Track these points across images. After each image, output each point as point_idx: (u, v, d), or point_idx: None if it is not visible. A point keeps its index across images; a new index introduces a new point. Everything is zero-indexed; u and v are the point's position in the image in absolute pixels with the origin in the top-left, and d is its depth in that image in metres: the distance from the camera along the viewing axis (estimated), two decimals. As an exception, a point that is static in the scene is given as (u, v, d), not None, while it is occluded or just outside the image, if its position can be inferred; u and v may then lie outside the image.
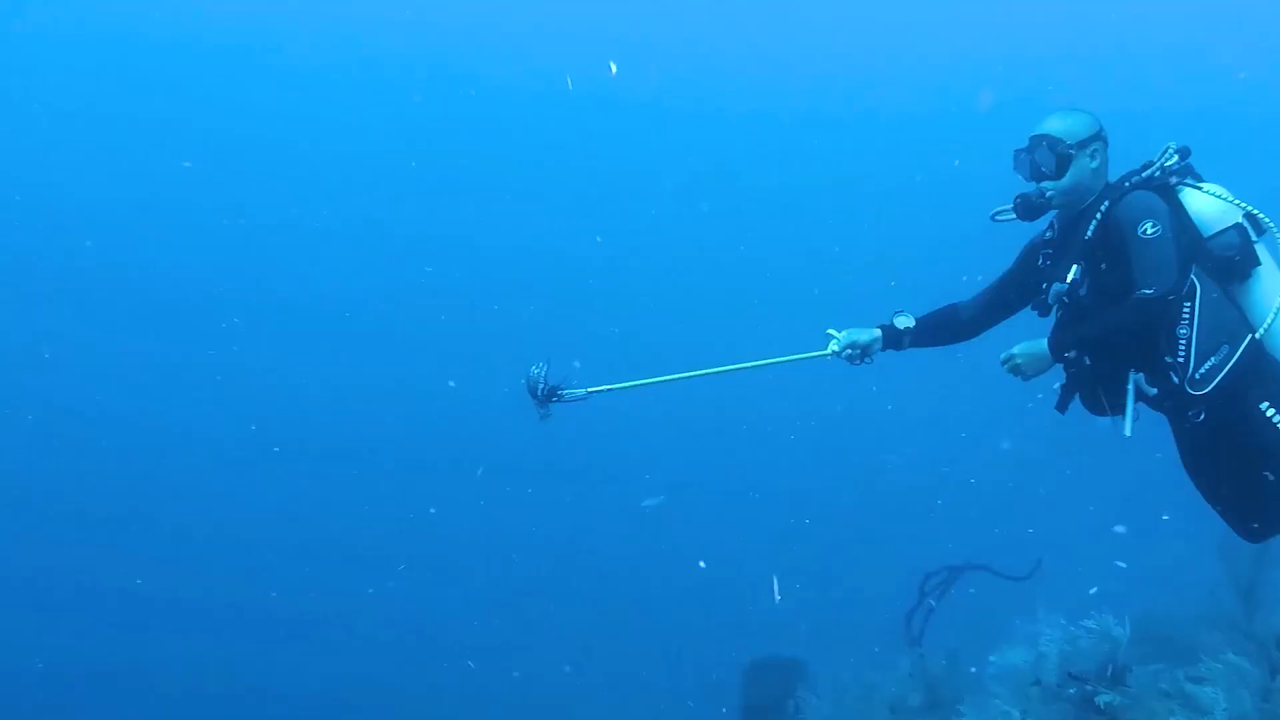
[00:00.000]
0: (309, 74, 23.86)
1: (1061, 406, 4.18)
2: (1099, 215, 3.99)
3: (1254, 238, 3.97)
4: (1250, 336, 3.90)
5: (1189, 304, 3.86)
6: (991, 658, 6.18)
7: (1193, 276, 3.89)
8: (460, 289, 22.15)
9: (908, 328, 4.35)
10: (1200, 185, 4.02)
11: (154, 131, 22.32)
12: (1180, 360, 3.84)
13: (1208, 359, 3.84)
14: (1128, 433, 3.91)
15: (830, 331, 4.39)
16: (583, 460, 17.56)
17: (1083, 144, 4.04)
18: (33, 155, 22.09)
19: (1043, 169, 4.06)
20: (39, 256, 20.92)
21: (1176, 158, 4.05)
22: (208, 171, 22.08)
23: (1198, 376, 3.83)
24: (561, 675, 12.05)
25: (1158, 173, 4.03)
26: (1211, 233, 3.94)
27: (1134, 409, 3.93)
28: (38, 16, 22.47)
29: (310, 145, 23.37)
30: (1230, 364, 3.85)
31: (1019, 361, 4.01)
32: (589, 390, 4.12)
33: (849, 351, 4.31)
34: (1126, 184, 4.02)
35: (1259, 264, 3.97)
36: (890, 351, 4.39)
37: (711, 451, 18.72)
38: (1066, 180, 4.04)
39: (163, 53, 23.01)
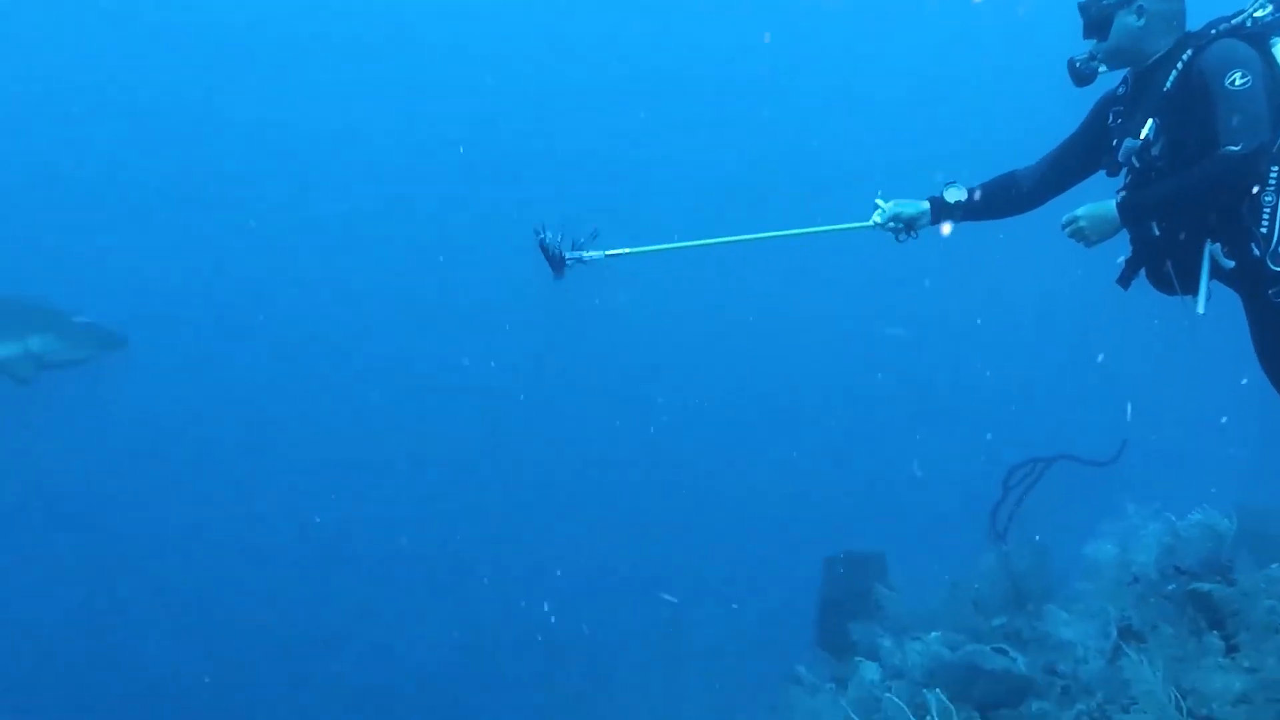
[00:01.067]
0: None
1: (1124, 281, 3.88)
2: (1180, 65, 3.61)
3: None
4: None
5: (1276, 168, 3.48)
6: (1086, 549, 5.92)
7: None
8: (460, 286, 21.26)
9: (959, 201, 4.07)
10: None
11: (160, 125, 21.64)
12: (1263, 230, 3.48)
13: None
14: (1201, 310, 3.58)
15: (877, 201, 4.13)
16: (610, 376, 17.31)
17: (1124, 0, 3.69)
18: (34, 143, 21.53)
19: (1091, 27, 3.78)
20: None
21: (1270, 7, 3.64)
22: (213, 165, 21.51)
23: None
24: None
25: (1249, 21, 3.62)
26: None
27: (1208, 285, 3.60)
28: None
29: (309, 145, 22.62)
30: None
31: (1082, 224, 3.69)
32: (606, 253, 3.94)
33: (892, 224, 4.10)
34: (1213, 31, 3.62)
35: None
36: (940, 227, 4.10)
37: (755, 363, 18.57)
38: (1110, 41, 3.75)
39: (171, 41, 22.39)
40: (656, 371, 18.16)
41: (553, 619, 11.53)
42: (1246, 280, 3.61)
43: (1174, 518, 5.67)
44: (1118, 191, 3.82)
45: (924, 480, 12.41)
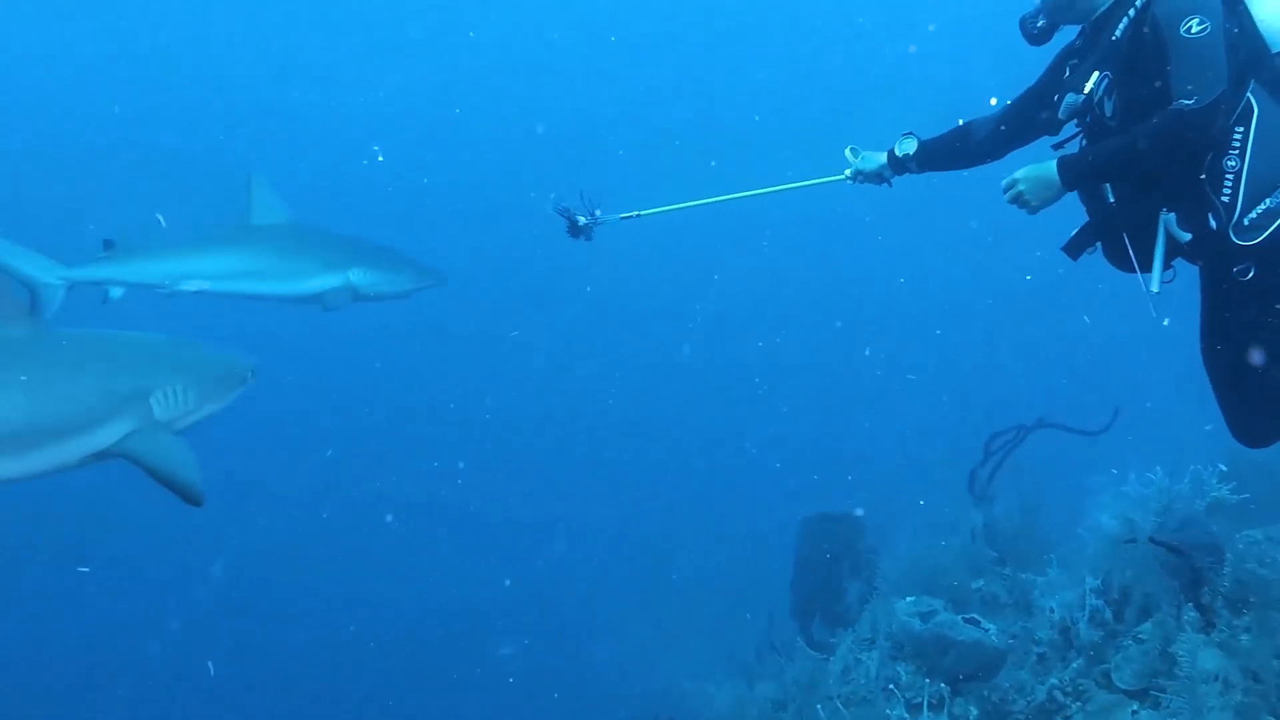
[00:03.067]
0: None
1: (1072, 251, 3.45)
2: (1133, 12, 3.21)
3: None
4: None
5: (1241, 129, 3.11)
6: (1070, 511, 5.79)
7: (1249, 95, 3.12)
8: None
9: (906, 154, 3.92)
10: None
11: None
12: (1224, 200, 3.10)
13: (1261, 201, 3.11)
14: (1155, 288, 3.21)
15: (847, 153, 4.06)
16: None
17: None
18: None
19: None
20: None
21: None
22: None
23: (1246, 223, 3.10)
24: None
25: None
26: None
27: (1163, 259, 3.23)
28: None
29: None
30: None
31: (1021, 188, 3.31)
32: (622, 216, 4.17)
33: (862, 178, 4.05)
34: None
35: None
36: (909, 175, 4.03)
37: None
38: None
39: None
40: (635, 340, 18.08)
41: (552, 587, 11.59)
42: (1205, 255, 3.24)
43: (1164, 478, 5.51)
44: (1054, 147, 3.50)
45: (903, 444, 12.31)
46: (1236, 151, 3.12)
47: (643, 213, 4.24)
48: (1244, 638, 3.91)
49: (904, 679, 4.50)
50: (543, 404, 16.86)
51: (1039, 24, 3.46)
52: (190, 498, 3.54)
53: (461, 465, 14.39)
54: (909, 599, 5.43)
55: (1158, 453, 5.88)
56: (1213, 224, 3.14)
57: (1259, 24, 3.17)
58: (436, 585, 12.30)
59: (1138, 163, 3.17)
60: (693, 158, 19.86)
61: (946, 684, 4.53)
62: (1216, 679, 3.75)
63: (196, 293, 7.02)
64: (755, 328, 18.33)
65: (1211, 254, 3.23)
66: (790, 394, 16.31)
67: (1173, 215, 3.21)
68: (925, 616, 4.98)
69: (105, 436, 3.48)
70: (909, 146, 3.94)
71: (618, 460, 15.21)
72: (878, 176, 4.02)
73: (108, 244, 6.63)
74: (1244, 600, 4.32)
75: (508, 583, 11.87)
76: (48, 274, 6.07)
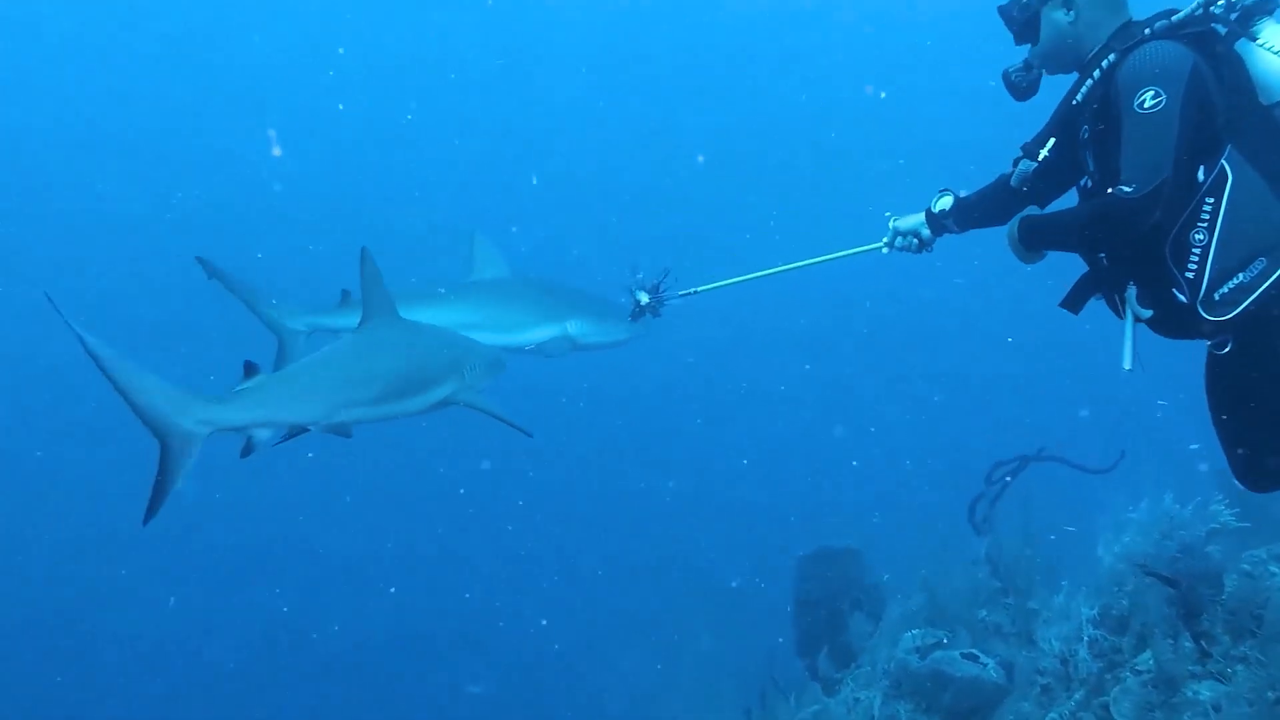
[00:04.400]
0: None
1: (1071, 304, 3.25)
2: (1098, 73, 3.02)
3: None
4: None
5: (1212, 200, 2.87)
6: (1089, 541, 5.72)
7: (1224, 163, 2.87)
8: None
9: (943, 210, 3.74)
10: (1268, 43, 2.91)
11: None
12: (1189, 275, 2.88)
13: (1233, 276, 2.86)
14: (1126, 365, 3.02)
15: (888, 218, 3.93)
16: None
17: None
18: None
19: (1019, 32, 3.30)
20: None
21: None
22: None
23: (1216, 298, 2.86)
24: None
25: (1199, 9, 2.95)
26: (1278, 98, 2.90)
27: (1134, 332, 3.05)
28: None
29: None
30: (1268, 284, 2.82)
31: (1008, 241, 3.22)
32: (682, 293, 4.37)
33: (900, 242, 3.86)
34: (1147, 30, 2.98)
35: None
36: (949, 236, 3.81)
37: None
38: (1042, 43, 3.23)
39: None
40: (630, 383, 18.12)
41: (543, 621, 11.55)
42: (1177, 329, 3.02)
43: (1172, 504, 5.45)
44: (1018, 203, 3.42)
45: (906, 474, 12.23)
46: (1205, 225, 2.88)
47: (700, 289, 4.38)
48: (1239, 668, 3.85)
49: (903, 718, 4.44)
50: (535, 431, 16.79)
51: (1031, 76, 3.33)
52: (519, 429, 5.02)
53: (460, 491, 14.42)
54: (913, 632, 5.40)
55: (1169, 478, 5.79)
56: (1180, 298, 2.94)
57: (1254, 74, 2.93)
58: (427, 617, 12.31)
59: (1075, 240, 3.09)
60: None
61: (945, 721, 4.48)
62: (1214, 710, 3.69)
63: None
64: (752, 356, 18.31)
65: (1182, 330, 3.03)
66: (791, 423, 16.26)
67: (1134, 291, 3.05)
68: (924, 652, 4.93)
69: (443, 391, 4.98)
70: (945, 203, 3.76)
71: (614, 493, 15.18)
72: (914, 237, 3.83)
73: (345, 294, 6.95)
74: (1244, 627, 4.27)
75: (500, 622, 11.91)
76: (295, 320, 6.67)
